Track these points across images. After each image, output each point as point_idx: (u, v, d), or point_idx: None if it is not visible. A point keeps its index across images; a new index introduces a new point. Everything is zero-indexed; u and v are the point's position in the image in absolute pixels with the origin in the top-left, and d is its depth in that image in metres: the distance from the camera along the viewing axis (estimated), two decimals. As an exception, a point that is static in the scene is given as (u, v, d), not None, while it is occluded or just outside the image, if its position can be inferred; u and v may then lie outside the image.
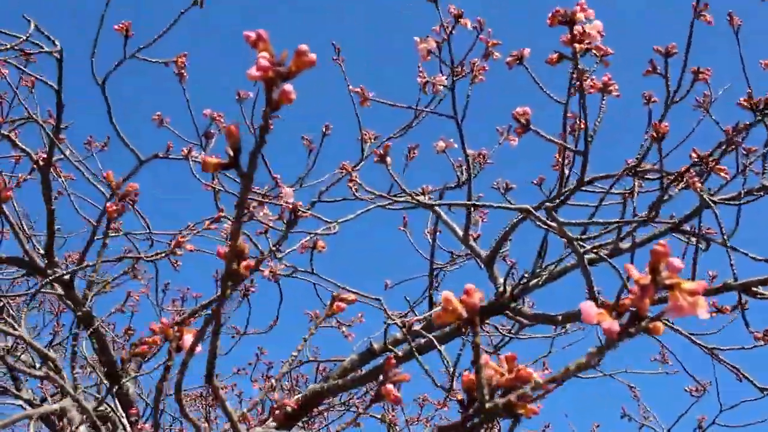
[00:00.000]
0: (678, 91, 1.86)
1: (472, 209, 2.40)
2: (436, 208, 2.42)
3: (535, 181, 2.46)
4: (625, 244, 1.99)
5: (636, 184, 2.00)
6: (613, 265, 1.97)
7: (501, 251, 2.55)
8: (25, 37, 2.08)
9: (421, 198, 2.48)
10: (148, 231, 2.82)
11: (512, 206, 1.89)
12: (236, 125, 0.79)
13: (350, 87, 2.46)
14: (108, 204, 1.56)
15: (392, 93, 3.11)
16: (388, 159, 1.81)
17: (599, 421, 4.96)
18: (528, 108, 1.52)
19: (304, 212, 1.82)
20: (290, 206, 1.87)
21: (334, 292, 1.18)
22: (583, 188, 1.79)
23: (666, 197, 1.74)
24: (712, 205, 1.71)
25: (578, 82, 1.46)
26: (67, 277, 2.58)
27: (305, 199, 2.78)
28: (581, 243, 1.94)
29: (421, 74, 2.40)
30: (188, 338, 0.97)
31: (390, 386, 0.96)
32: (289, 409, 1.46)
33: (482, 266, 2.48)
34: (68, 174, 2.80)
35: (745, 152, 2.58)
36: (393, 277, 3.73)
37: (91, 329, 2.62)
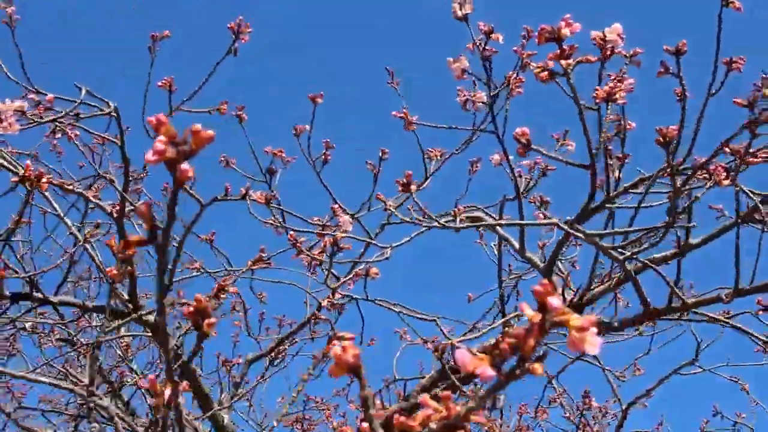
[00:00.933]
0: (713, 83, 1.82)
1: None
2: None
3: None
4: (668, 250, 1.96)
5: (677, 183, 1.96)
6: (656, 269, 1.94)
7: (560, 259, 2.54)
8: (78, 101, 2.22)
9: (474, 213, 2.49)
10: (225, 269, 2.96)
11: (543, 222, 1.89)
12: (148, 205, 0.85)
13: (393, 112, 2.50)
14: (109, 268, 1.65)
15: (439, 109, 3.13)
16: (413, 187, 1.83)
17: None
18: (527, 128, 1.53)
19: (342, 246, 1.87)
20: (331, 240, 1.93)
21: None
22: (612, 201, 1.77)
23: (686, 196, 1.70)
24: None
25: (573, 95, 1.46)
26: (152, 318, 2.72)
27: (374, 223, 2.84)
28: (622, 251, 1.91)
29: (460, 92, 2.42)
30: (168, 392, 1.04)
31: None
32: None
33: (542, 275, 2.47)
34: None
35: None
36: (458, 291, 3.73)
37: (181, 368, 2.75)
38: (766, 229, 1.92)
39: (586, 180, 2.09)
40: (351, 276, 2.20)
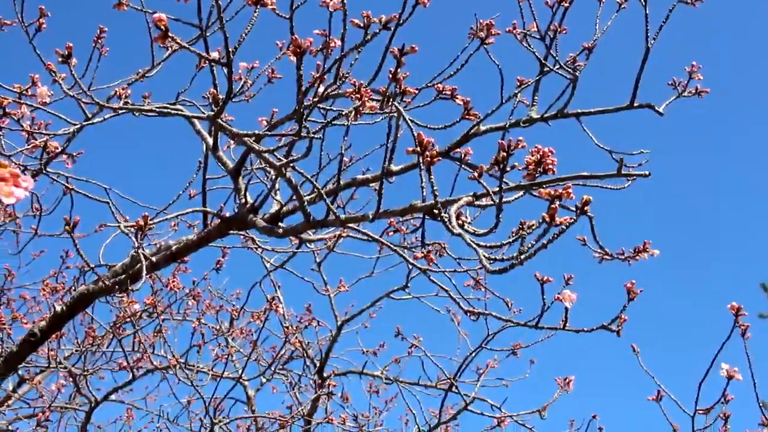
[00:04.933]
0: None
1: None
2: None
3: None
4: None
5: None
6: (309, 180, 2.09)
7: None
8: None
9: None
10: None
11: (200, 116, 1.97)
12: None
13: None
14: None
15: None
16: None
17: None
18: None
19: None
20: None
21: None
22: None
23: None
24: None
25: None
26: None
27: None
28: (278, 157, 2.04)
29: None
30: None
31: None
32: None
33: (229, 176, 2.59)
34: None
35: (518, 83, 2.72)
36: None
37: None
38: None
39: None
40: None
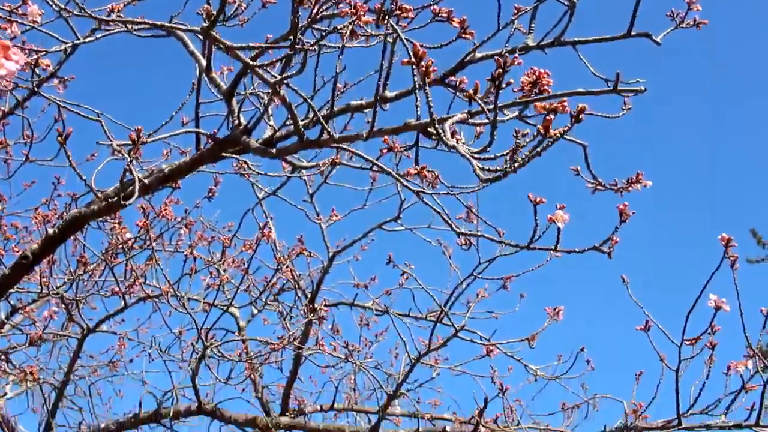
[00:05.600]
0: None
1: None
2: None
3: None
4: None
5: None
6: (306, 100, 2.08)
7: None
8: None
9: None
10: None
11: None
12: None
13: None
14: None
15: None
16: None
17: None
18: None
19: None
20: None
21: None
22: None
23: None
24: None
25: None
26: None
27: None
28: (273, 74, 2.02)
29: None
30: None
31: None
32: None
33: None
34: None
35: (515, 10, 2.69)
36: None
37: None
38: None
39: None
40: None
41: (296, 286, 4.91)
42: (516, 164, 1.40)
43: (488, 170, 1.49)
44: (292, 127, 2.65)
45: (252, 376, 4.90)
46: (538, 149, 1.40)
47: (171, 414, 4.48)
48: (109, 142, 2.34)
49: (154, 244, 4.07)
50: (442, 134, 1.61)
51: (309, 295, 4.80)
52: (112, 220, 4.14)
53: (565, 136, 1.95)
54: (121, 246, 4.25)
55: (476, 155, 1.57)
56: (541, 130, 1.46)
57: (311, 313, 4.25)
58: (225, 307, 4.08)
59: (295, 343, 4.40)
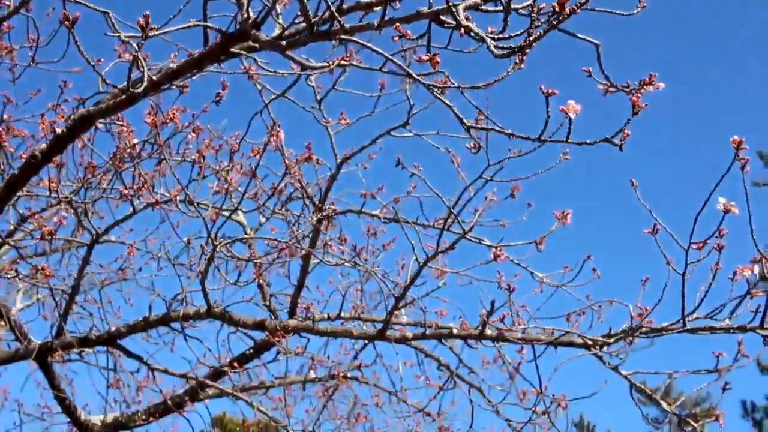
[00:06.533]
0: None
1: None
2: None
3: None
4: None
5: None
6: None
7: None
8: None
9: None
10: None
11: None
12: None
13: None
14: None
15: None
16: None
17: None
18: None
19: None
20: None
21: None
22: None
23: None
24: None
25: None
26: None
27: None
28: None
29: None
30: None
31: None
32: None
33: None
34: None
35: None
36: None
37: None
38: None
39: None
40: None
41: (304, 194, 4.90)
42: (531, 37, 1.38)
43: (503, 47, 1.47)
44: (300, 26, 2.61)
45: (260, 280, 4.95)
46: (554, 22, 1.38)
47: (180, 316, 4.54)
48: (117, 34, 2.31)
49: (162, 148, 4.07)
50: (456, 15, 1.59)
51: (317, 203, 4.80)
52: (120, 124, 4.12)
53: (577, 35, 1.93)
54: (128, 151, 4.24)
55: (491, 36, 1.55)
56: (557, 7, 1.44)
57: (319, 213, 4.26)
58: (232, 211, 4.08)
59: (303, 244, 4.42)
